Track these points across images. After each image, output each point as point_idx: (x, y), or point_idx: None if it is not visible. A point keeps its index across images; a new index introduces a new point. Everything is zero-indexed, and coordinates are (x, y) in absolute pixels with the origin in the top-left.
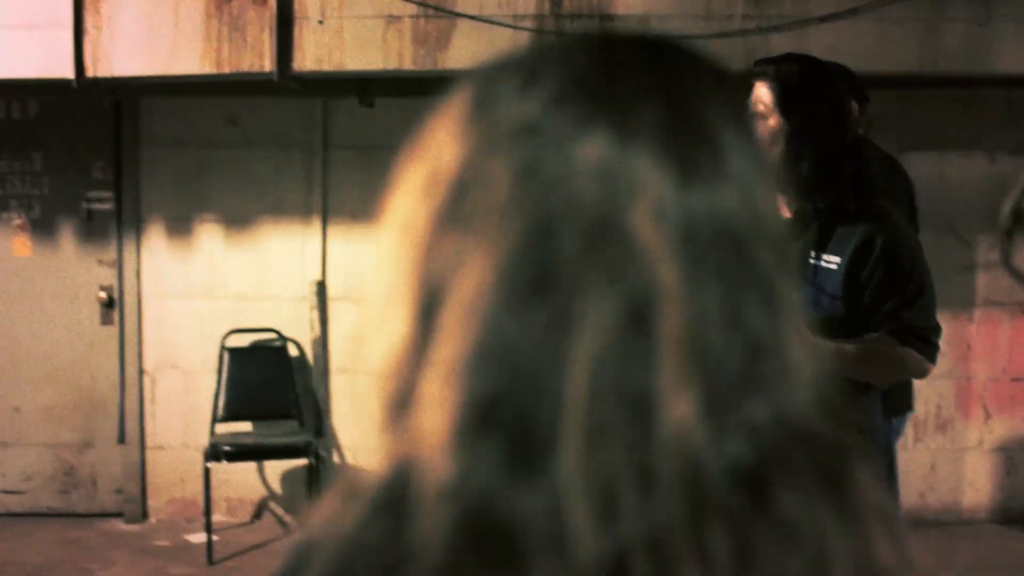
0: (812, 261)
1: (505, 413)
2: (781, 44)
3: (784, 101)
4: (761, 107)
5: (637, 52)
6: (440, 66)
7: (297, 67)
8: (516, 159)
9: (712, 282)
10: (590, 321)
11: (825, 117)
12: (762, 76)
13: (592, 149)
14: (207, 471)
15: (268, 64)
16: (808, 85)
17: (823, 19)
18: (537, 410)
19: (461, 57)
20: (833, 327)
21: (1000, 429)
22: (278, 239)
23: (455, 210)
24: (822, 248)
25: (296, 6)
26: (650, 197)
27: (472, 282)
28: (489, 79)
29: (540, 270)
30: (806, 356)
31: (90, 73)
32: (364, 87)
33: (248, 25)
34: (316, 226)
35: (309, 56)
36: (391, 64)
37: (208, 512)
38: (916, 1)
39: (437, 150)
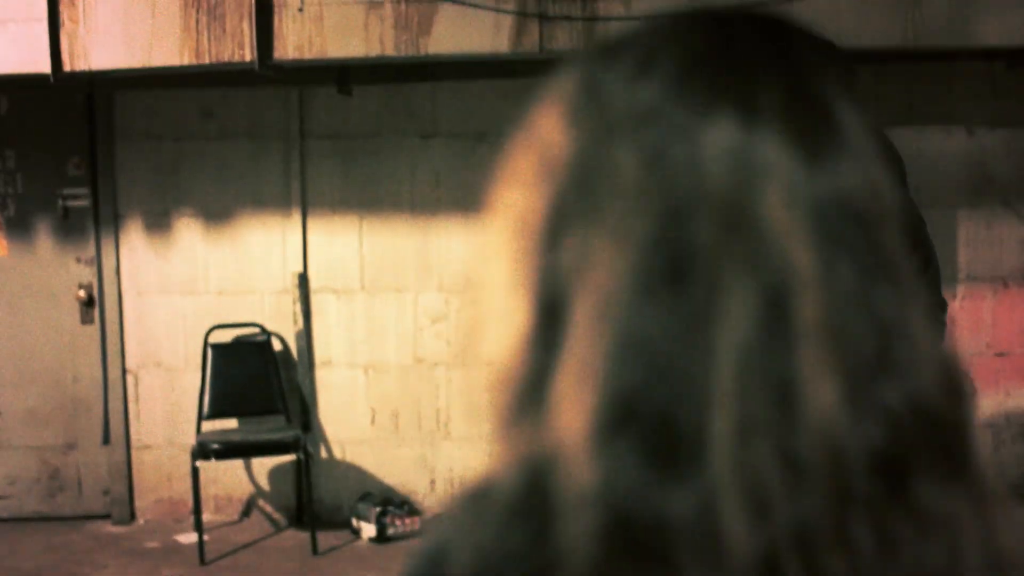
0: None
1: (646, 410)
2: None
3: None
4: None
5: (750, 30)
6: (423, 51)
7: (278, 56)
8: (640, 146)
9: (844, 265)
10: (732, 311)
11: None
12: None
13: (720, 134)
14: (195, 470)
15: (248, 53)
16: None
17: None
18: (680, 405)
19: (444, 42)
20: None
21: (985, 405)
22: (258, 232)
23: (577, 200)
24: None
25: None
26: (781, 181)
27: (603, 275)
28: (599, 63)
29: (675, 260)
30: (931, 337)
31: (67, 67)
32: (342, 75)
33: (227, 14)
34: (296, 217)
35: (290, 44)
36: (373, 51)
37: (198, 511)
38: None
39: (548, 138)
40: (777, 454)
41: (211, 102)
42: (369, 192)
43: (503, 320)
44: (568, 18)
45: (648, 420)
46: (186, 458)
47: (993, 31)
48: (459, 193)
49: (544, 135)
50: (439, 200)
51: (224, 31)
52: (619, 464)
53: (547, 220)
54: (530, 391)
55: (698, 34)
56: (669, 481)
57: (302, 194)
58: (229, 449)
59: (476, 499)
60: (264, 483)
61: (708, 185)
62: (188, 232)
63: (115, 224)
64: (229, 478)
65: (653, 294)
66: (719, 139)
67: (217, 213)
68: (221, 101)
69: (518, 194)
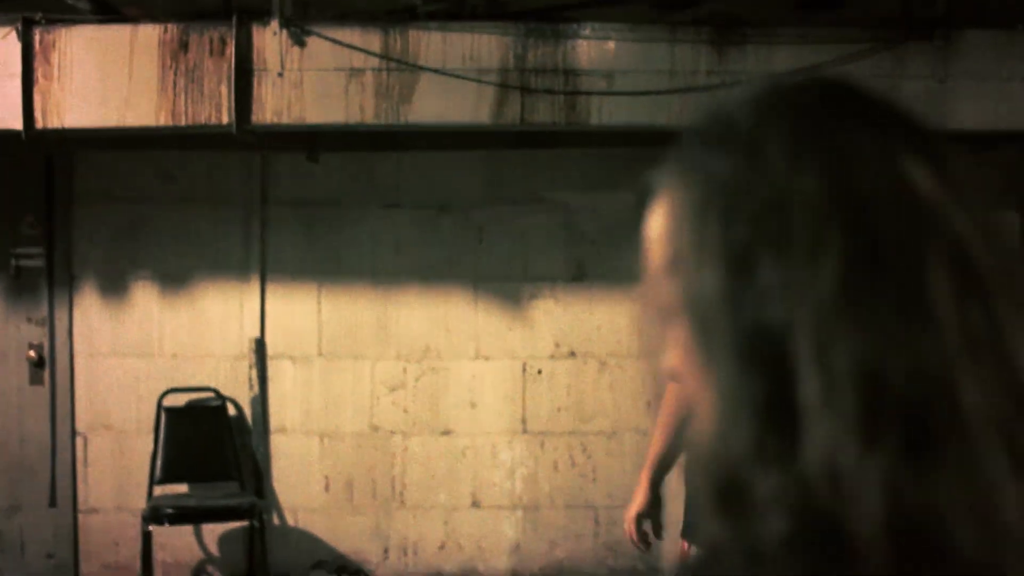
0: None
1: (898, 407)
2: None
3: None
4: None
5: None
6: (403, 119)
7: (256, 120)
8: (828, 173)
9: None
10: (940, 301)
11: None
12: None
13: (910, 162)
14: (147, 534)
15: (226, 117)
16: None
17: (786, 75)
18: (926, 395)
19: (425, 111)
20: None
21: None
22: (215, 296)
23: (770, 226)
24: None
25: (255, 58)
26: (955, 219)
27: (815, 292)
28: (771, 108)
29: (877, 268)
30: None
31: (39, 124)
32: (310, 141)
33: (205, 76)
34: (255, 283)
35: (268, 109)
36: (353, 118)
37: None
38: (878, 58)
39: (723, 175)
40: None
41: (172, 165)
42: (330, 260)
43: (703, 375)
44: (550, 92)
45: (902, 416)
46: (135, 522)
47: (969, 115)
48: (420, 262)
49: (716, 171)
50: (399, 269)
51: (202, 94)
52: (887, 460)
53: (737, 251)
54: (764, 435)
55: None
56: (934, 469)
57: (262, 260)
58: (183, 514)
59: (736, 552)
60: (214, 549)
61: (909, 198)
62: (144, 295)
63: (69, 285)
64: (178, 543)
65: (866, 300)
66: (912, 166)
67: (174, 276)
68: (182, 164)
69: (688, 229)
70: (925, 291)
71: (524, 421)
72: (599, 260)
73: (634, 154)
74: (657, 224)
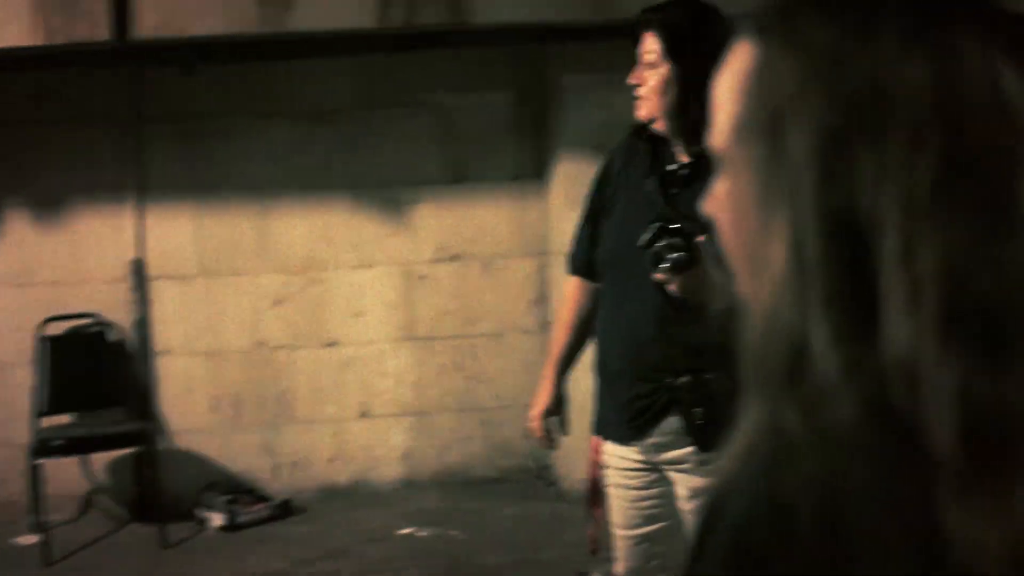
0: None
1: (975, 307)
2: None
3: (672, 48)
4: (651, 56)
5: None
6: (285, 28)
7: (136, 34)
8: (932, 64)
9: None
10: None
11: (713, 59)
12: (649, 25)
13: (1008, 79)
14: (35, 468)
15: (105, 32)
16: (694, 28)
17: None
18: (1002, 297)
19: (307, 17)
20: None
21: None
22: (92, 219)
23: (860, 126)
24: None
25: None
26: None
27: (907, 186)
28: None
29: (967, 165)
30: None
31: None
32: (186, 54)
33: None
34: (131, 203)
35: (148, 22)
36: (234, 27)
37: (38, 511)
38: None
39: (822, 57)
40: None
41: (42, 85)
42: (207, 175)
43: (770, 241)
44: None
45: (982, 319)
46: (20, 457)
47: None
48: (298, 173)
49: (822, 40)
50: (278, 181)
51: (77, 8)
52: (965, 362)
53: (830, 137)
54: (841, 318)
55: None
56: (1011, 373)
57: (138, 178)
58: (72, 445)
59: (771, 448)
60: (103, 477)
61: (1006, 108)
62: (17, 221)
63: None
64: (64, 475)
65: (955, 200)
66: (1010, 76)
67: (49, 201)
68: (52, 84)
69: (783, 95)
70: (1013, 198)
71: (410, 328)
72: (478, 161)
73: (514, 52)
74: (740, 82)
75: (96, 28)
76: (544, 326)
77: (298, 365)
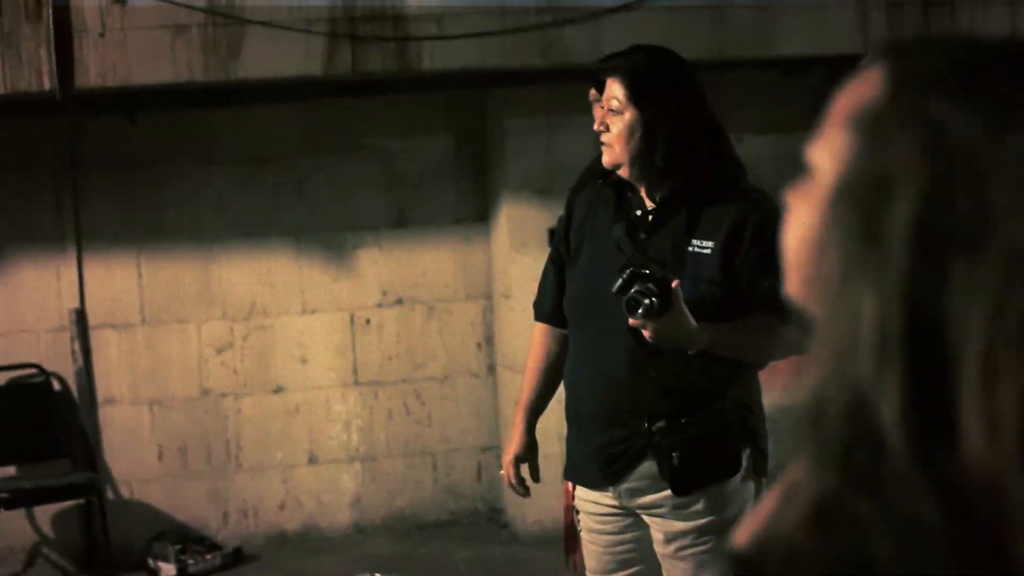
0: (687, 248)
1: None
2: (577, 37)
3: (635, 93)
4: (615, 103)
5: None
6: (232, 75)
7: (80, 84)
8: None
9: None
10: None
11: (675, 103)
12: (612, 72)
13: None
14: None
15: (48, 82)
16: (657, 73)
17: (614, 10)
18: None
19: (254, 65)
20: (712, 311)
21: None
22: (29, 268)
23: (972, 228)
24: (694, 233)
25: (74, 19)
26: None
27: (1000, 326)
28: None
29: None
30: None
31: None
32: (128, 102)
33: (23, 41)
34: (71, 251)
35: (92, 71)
36: (181, 76)
37: None
38: None
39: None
40: None
41: None
42: (148, 222)
43: (846, 312)
44: (380, 39)
45: None
46: None
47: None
48: (241, 219)
49: (955, 132)
50: (221, 227)
51: (20, 59)
52: None
53: (929, 228)
54: (921, 406)
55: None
56: None
57: (76, 227)
58: (18, 498)
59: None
60: (48, 530)
61: None
62: None
63: None
64: (9, 528)
65: None
66: None
67: None
68: None
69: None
70: None
71: (356, 372)
72: (420, 205)
73: (456, 97)
74: (856, 128)
75: (41, 78)
76: (491, 368)
77: (245, 412)
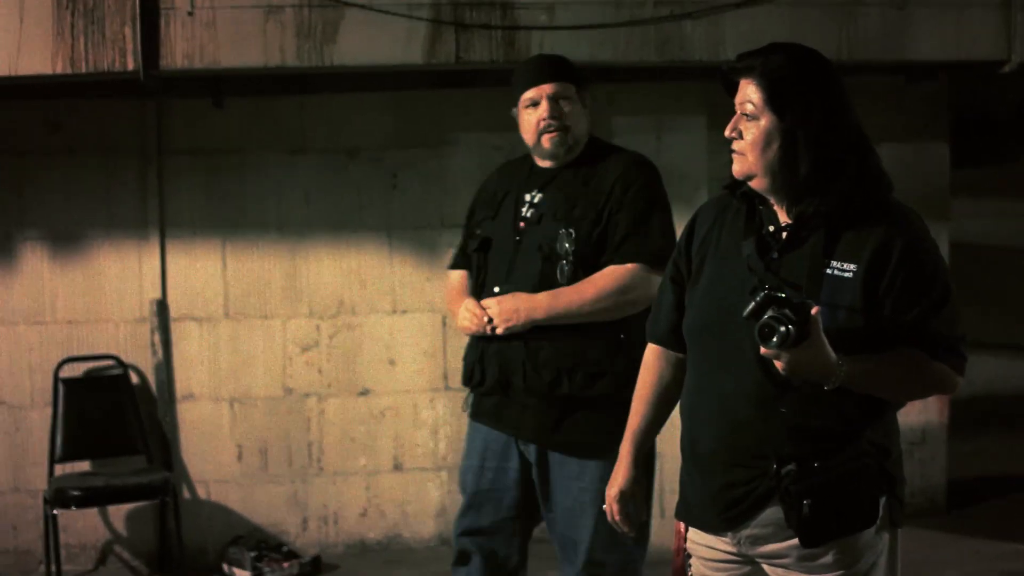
0: (825, 270)
1: None
2: (695, 31)
3: (774, 97)
4: (750, 107)
5: None
6: (328, 61)
7: (165, 65)
8: None
9: None
10: None
11: (819, 110)
12: (747, 72)
13: None
14: (52, 518)
15: (131, 62)
16: (799, 76)
17: (738, 5)
18: None
19: (351, 51)
20: (852, 341)
21: None
22: (111, 256)
23: None
24: (833, 255)
25: None
26: None
27: None
28: None
29: None
30: None
31: None
32: (214, 86)
33: (107, 17)
34: (153, 240)
35: (179, 52)
36: (272, 60)
37: (57, 562)
38: None
39: None
40: None
41: (59, 114)
42: (234, 212)
43: None
44: (487, 27)
45: None
46: (35, 504)
47: (929, 45)
48: (330, 212)
49: None
50: (308, 220)
51: (104, 37)
52: None
53: None
54: None
55: None
56: None
57: (160, 215)
58: (91, 495)
59: None
60: (121, 528)
61: None
62: (33, 256)
63: None
64: (82, 524)
65: None
66: None
67: (66, 235)
68: (69, 113)
69: None
70: None
71: (446, 377)
72: None
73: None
74: None
75: (124, 57)
76: None
77: (328, 414)
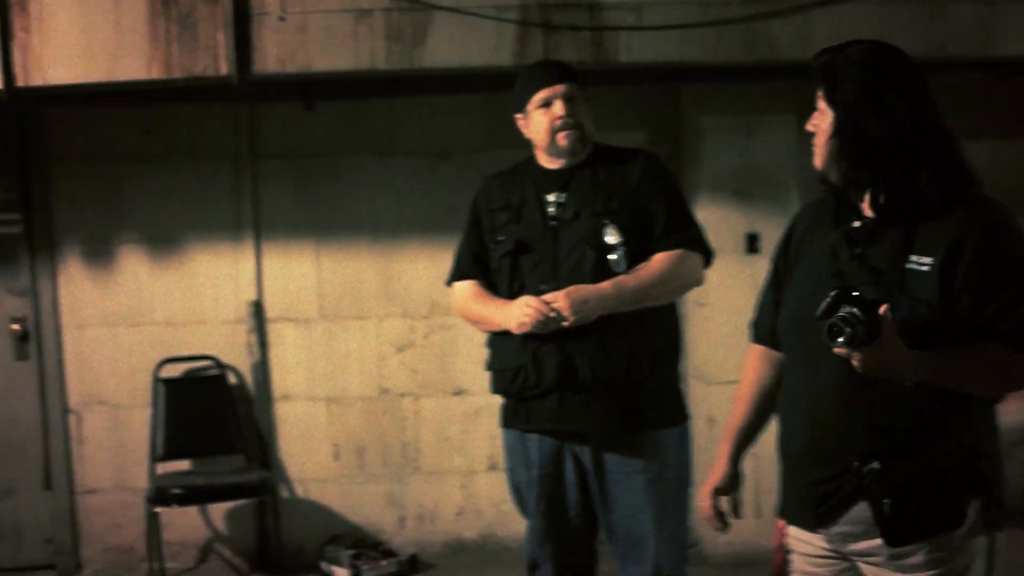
0: (905, 265)
1: None
2: (783, 30)
3: (830, 91)
4: (820, 102)
5: None
6: (417, 64)
7: (258, 69)
8: None
9: None
10: None
11: (882, 105)
12: (816, 68)
13: None
14: (154, 516)
15: (225, 66)
16: (858, 69)
17: (824, 3)
18: None
19: (440, 54)
20: (932, 336)
21: None
22: (208, 258)
23: None
24: (911, 248)
25: (253, 1)
26: None
27: None
28: None
29: None
30: None
31: (20, 82)
32: (304, 90)
33: (200, 23)
34: (248, 242)
35: (270, 56)
36: (363, 63)
37: (160, 559)
38: None
39: None
40: None
41: (153, 119)
42: (326, 214)
43: None
44: (574, 28)
45: None
46: (137, 502)
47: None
48: (422, 213)
49: None
50: (400, 221)
51: (197, 42)
52: None
53: None
54: None
55: None
56: None
57: (255, 217)
58: (191, 494)
59: None
60: (221, 526)
61: None
62: (131, 259)
63: (51, 252)
64: (183, 522)
65: None
66: None
67: (163, 238)
68: (164, 119)
69: None
70: None
71: None
72: None
73: (647, 91)
74: None
75: (217, 62)
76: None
77: (424, 414)
